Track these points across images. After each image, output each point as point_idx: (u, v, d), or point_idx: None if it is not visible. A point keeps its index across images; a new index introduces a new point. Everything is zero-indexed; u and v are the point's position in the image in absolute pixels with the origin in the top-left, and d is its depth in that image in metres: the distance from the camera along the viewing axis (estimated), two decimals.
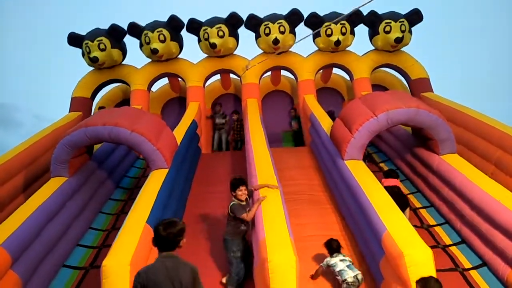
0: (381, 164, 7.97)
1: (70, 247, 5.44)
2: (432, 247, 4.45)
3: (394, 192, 5.43)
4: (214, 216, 6.17)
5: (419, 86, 9.51)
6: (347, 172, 5.77)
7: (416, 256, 3.90)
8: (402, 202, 5.42)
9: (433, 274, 3.87)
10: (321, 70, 10.38)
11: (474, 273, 4.80)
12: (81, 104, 9.61)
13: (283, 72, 10.71)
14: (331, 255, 4.67)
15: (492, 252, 4.75)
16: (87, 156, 6.58)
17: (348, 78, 10.21)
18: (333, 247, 4.71)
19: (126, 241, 4.24)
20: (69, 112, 9.51)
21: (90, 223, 6.03)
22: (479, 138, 6.84)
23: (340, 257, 4.62)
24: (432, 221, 5.91)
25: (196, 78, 9.83)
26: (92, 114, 9.59)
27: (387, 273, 4.30)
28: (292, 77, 10.26)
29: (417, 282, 3.46)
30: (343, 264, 4.52)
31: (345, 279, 4.40)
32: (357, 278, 4.44)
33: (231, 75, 10.69)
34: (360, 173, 5.64)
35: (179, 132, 7.46)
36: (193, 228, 5.83)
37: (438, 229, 5.75)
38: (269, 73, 10.54)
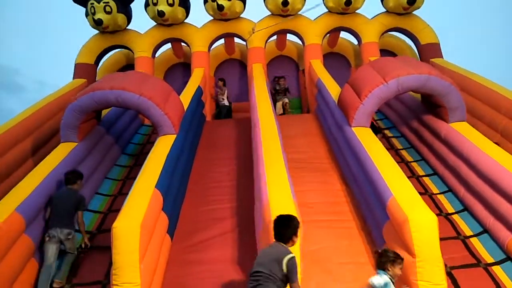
0: (386, 131, 7.95)
1: None
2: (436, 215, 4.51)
3: None
4: (219, 179, 6.25)
5: (428, 52, 9.30)
6: (355, 139, 5.76)
7: (420, 222, 3.96)
8: None
9: (437, 239, 3.95)
10: (328, 35, 10.14)
11: (474, 240, 4.91)
12: (85, 71, 9.50)
13: (289, 37, 10.47)
14: (382, 270, 3.62)
15: (494, 219, 4.82)
16: (95, 121, 6.59)
17: (356, 43, 9.99)
18: (383, 261, 3.62)
19: (136, 204, 4.32)
20: (73, 78, 9.43)
21: (97, 189, 6.12)
22: (487, 106, 6.78)
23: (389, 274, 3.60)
24: (435, 189, 5.97)
25: (201, 43, 9.64)
26: (96, 79, 9.51)
27: (389, 238, 4.39)
28: (298, 41, 10.04)
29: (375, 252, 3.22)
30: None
31: None
32: None
33: (236, 40, 10.48)
34: (367, 140, 5.64)
35: (186, 98, 7.42)
36: (199, 193, 5.94)
37: (441, 197, 5.81)
38: (274, 37, 10.31)
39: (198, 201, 5.80)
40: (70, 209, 4.72)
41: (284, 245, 3.40)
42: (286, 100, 9.56)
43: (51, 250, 4.49)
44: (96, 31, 9.69)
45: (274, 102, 8.27)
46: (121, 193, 6.13)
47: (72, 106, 5.84)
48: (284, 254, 3.30)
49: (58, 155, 5.60)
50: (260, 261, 3.37)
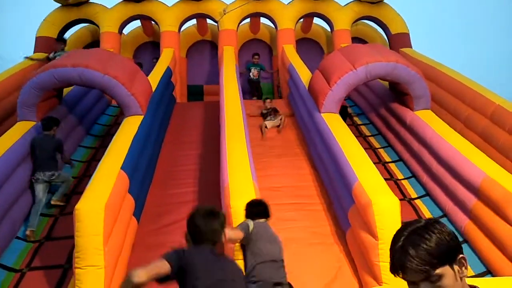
0: (355, 118, 8.09)
1: None
2: (399, 200, 4.67)
3: None
4: (188, 162, 6.17)
5: (398, 41, 9.47)
6: (323, 124, 5.82)
7: (383, 206, 4.07)
8: None
9: (399, 223, 4.09)
10: (302, 20, 10.09)
11: None
12: (46, 45, 8.96)
13: (263, 20, 10.34)
14: None
15: (453, 203, 5.05)
16: (56, 100, 6.27)
17: (329, 29, 10.02)
18: None
19: (100, 186, 4.19)
20: (34, 53, 8.91)
21: (60, 170, 5.87)
22: (452, 96, 7.01)
23: None
24: (400, 175, 6.17)
25: (171, 22, 9.33)
26: None
27: (354, 221, 4.51)
28: (272, 25, 9.94)
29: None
30: None
31: None
32: None
33: (208, 21, 10.23)
34: (336, 126, 5.71)
35: (154, 79, 7.19)
36: (167, 175, 5.84)
37: (405, 182, 6.02)
38: (248, 20, 10.14)
39: (166, 184, 5.71)
40: (50, 153, 5.16)
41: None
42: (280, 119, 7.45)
43: (39, 188, 5.00)
44: (59, 4, 9.18)
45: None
46: (86, 175, 5.93)
47: (31, 83, 5.52)
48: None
49: (14, 135, 5.28)
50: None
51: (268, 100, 7.64)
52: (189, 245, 2.25)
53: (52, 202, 5.12)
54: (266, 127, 7.04)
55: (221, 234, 2.26)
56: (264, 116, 7.39)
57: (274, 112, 7.39)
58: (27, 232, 4.73)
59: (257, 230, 3.23)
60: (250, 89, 9.26)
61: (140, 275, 1.94)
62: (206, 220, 2.23)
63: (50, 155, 5.15)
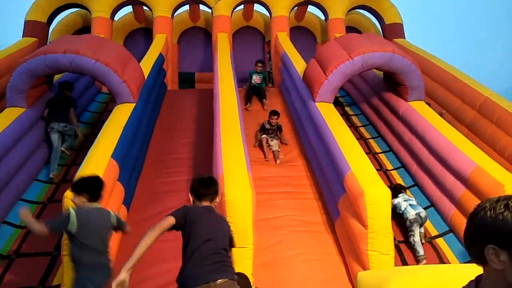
0: (347, 108, 8.09)
1: (28, 181, 5.27)
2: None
3: None
4: (179, 151, 6.14)
5: (392, 31, 9.45)
6: (318, 114, 5.81)
7: (375, 195, 4.12)
8: None
9: (389, 213, 4.15)
10: (296, 8, 9.99)
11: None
12: (36, 29, 8.74)
13: (256, 8, 10.21)
14: (395, 197, 4.89)
15: (441, 193, 5.12)
16: (46, 86, 6.16)
17: (323, 18, 9.94)
18: (397, 189, 5.06)
19: (89, 173, 4.14)
20: (23, 37, 8.71)
21: (49, 157, 5.81)
22: (442, 87, 7.05)
23: (404, 197, 4.95)
24: (389, 165, 6.22)
25: (164, 7, 9.16)
26: (48, 41, 8.85)
27: (344, 210, 4.55)
28: (266, 13, 9.82)
29: None
30: (406, 203, 4.85)
31: (407, 217, 4.73)
32: (419, 216, 4.76)
33: (201, 7, 10.08)
34: (330, 116, 5.71)
35: (146, 65, 7.09)
36: (158, 164, 5.81)
37: (394, 173, 6.07)
38: (241, 7, 10.01)
39: (157, 173, 5.68)
40: (64, 109, 5.90)
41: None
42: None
43: (54, 137, 5.71)
44: None
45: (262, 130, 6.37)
46: (75, 163, 5.87)
47: (21, 69, 5.40)
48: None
49: (4, 120, 5.20)
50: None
51: (276, 117, 6.39)
52: (192, 203, 2.86)
53: (62, 149, 5.77)
54: (269, 146, 6.16)
55: (216, 196, 2.88)
56: (265, 131, 6.29)
57: (277, 131, 6.39)
58: (51, 175, 5.50)
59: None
60: (252, 95, 7.79)
61: (156, 232, 2.58)
62: (205, 185, 2.85)
63: (64, 110, 5.88)
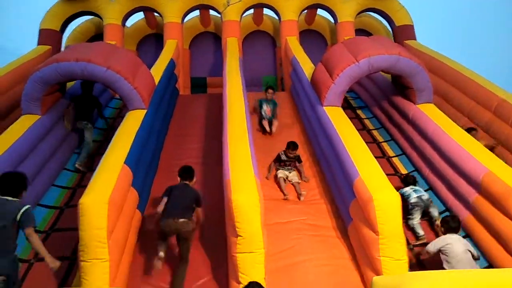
0: (358, 111, 8.07)
1: (45, 187, 5.38)
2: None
3: None
4: (191, 155, 6.21)
5: (403, 33, 9.39)
6: (326, 118, 5.82)
7: (384, 201, 4.11)
8: None
9: (399, 218, 4.13)
10: (305, 11, 10.01)
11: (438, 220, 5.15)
12: (49, 37, 8.98)
13: (267, 12, 10.26)
14: (406, 187, 5.15)
15: (454, 197, 5.07)
16: (60, 94, 6.31)
17: (333, 21, 9.94)
18: (408, 180, 5.27)
19: (103, 180, 4.23)
20: (38, 45, 8.93)
21: (65, 164, 5.94)
22: (455, 89, 6.98)
23: (413, 188, 5.12)
24: (403, 170, 6.16)
25: (174, 13, 9.29)
26: (62, 49, 9.05)
27: (355, 215, 4.55)
28: (275, 17, 9.87)
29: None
30: (410, 190, 5.08)
31: (410, 202, 4.90)
32: (420, 199, 4.92)
33: (211, 12, 10.17)
34: (338, 120, 5.71)
35: (157, 71, 7.19)
36: (171, 168, 5.88)
37: None
38: (251, 11, 10.08)
39: (170, 177, 5.72)
40: (87, 107, 6.35)
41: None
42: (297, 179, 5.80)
43: (84, 133, 6.24)
44: None
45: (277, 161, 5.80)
46: (90, 169, 5.97)
47: (34, 77, 5.54)
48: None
49: (20, 128, 5.33)
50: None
51: (294, 151, 5.72)
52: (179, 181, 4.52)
53: (76, 165, 6.00)
54: (285, 180, 5.52)
55: (192, 177, 4.60)
56: (280, 163, 5.69)
57: (295, 162, 5.74)
58: (76, 165, 5.94)
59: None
60: (263, 128, 6.89)
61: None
62: (185, 171, 4.59)
63: (87, 108, 6.32)
